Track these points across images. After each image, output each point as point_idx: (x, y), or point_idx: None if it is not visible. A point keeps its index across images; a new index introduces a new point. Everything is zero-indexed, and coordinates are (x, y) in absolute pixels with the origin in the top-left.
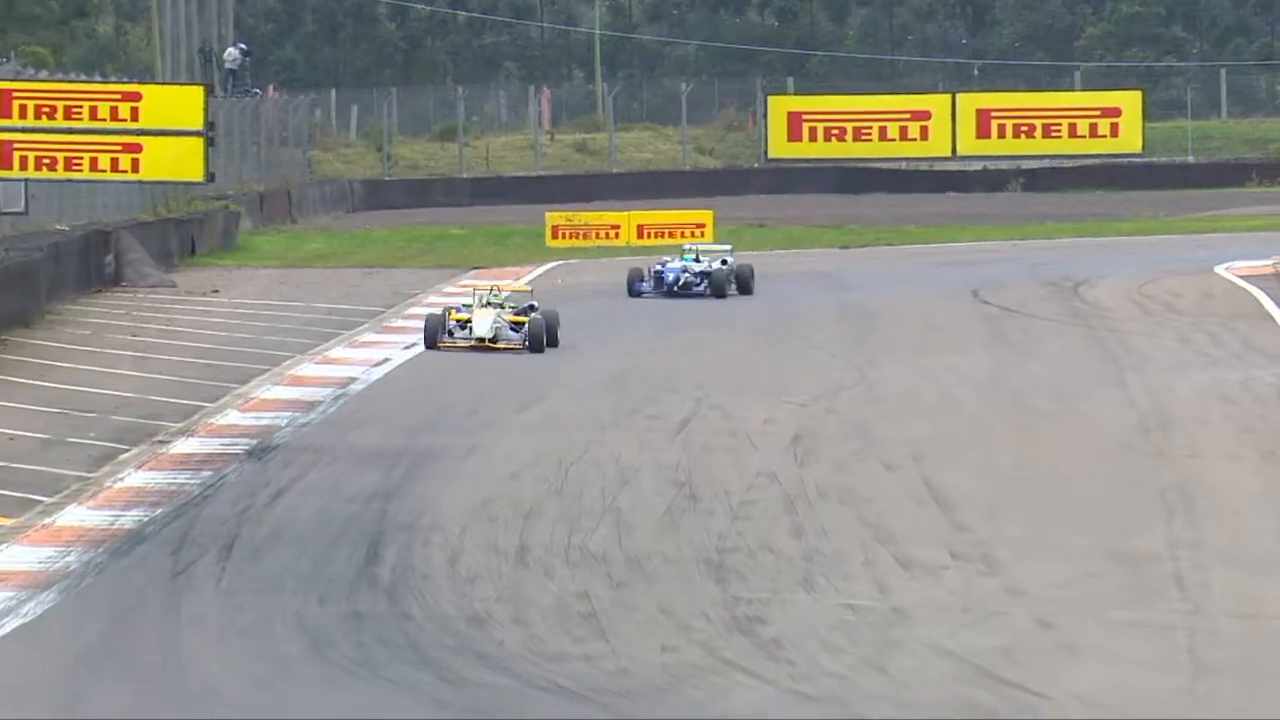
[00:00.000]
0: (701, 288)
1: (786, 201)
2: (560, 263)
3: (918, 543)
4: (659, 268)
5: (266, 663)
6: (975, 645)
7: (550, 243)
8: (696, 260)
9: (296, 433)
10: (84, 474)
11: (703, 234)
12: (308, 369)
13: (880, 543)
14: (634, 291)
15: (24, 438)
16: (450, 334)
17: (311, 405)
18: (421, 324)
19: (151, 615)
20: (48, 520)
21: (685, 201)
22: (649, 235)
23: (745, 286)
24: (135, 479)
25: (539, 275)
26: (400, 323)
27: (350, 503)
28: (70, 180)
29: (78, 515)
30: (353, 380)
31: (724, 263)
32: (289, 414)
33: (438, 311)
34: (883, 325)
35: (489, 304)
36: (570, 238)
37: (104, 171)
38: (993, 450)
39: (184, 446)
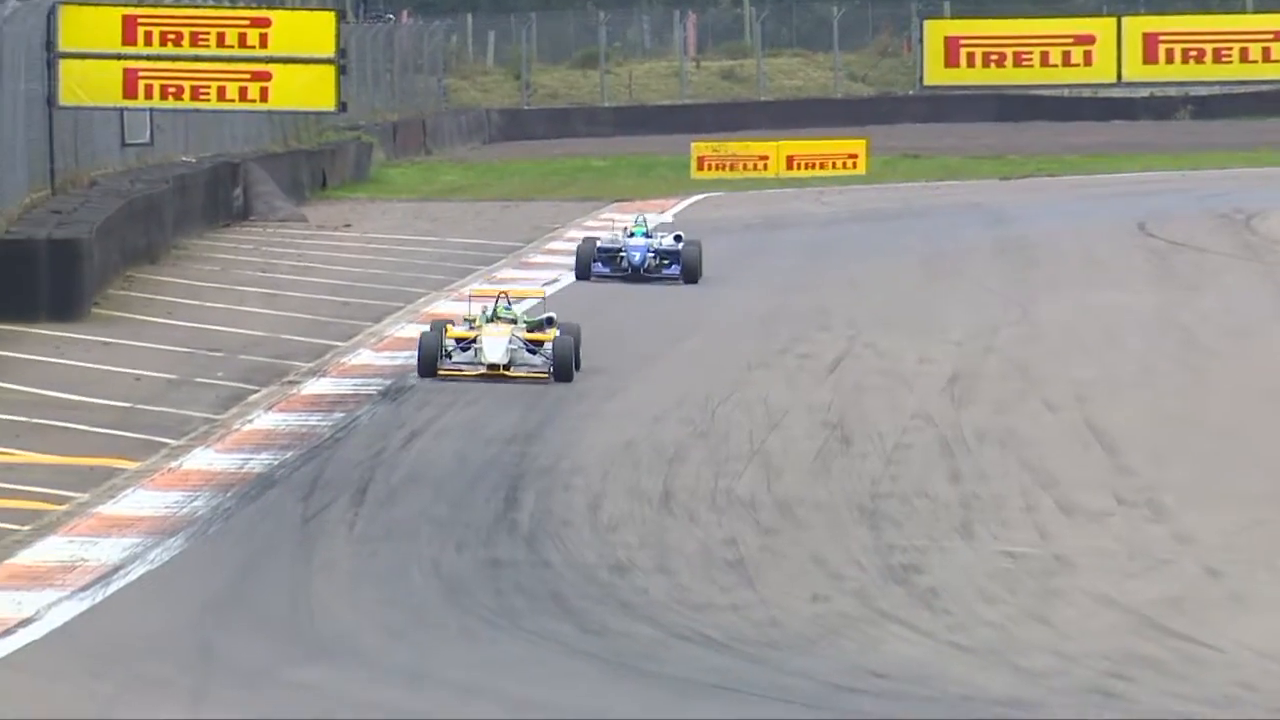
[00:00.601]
0: (672, 270)
1: (943, 131)
2: (705, 195)
3: (1081, 487)
4: (612, 244)
5: (401, 612)
6: (1141, 595)
7: (695, 174)
8: (647, 235)
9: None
10: (212, 416)
11: (855, 164)
12: (444, 306)
13: (1041, 487)
14: (585, 274)
15: (150, 378)
16: (449, 356)
17: None
18: (573, 256)
19: (282, 562)
20: (174, 464)
21: (836, 131)
22: (799, 166)
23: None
24: (265, 421)
25: (685, 207)
26: (540, 258)
27: (488, 445)
28: (197, 110)
29: (205, 458)
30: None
31: (678, 238)
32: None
33: (432, 329)
34: (1044, 260)
35: (499, 318)
36: (716, 169)
37: (232, 101)
38: (1160, 391)
39: (315, 387)
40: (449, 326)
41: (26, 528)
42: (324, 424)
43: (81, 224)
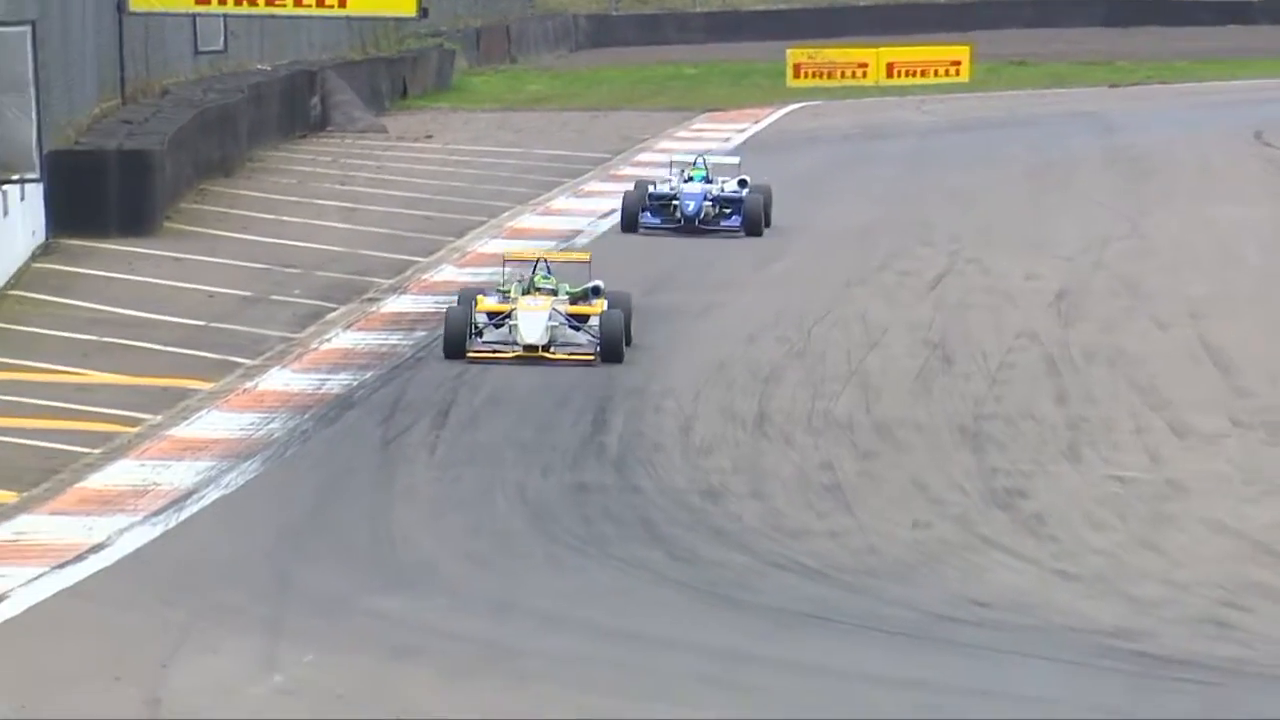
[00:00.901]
0: (733, 221)
1: (1050, 36)
2: (802, 104)
3: (1194, 409)
4: (663, 189)
5: (484, 538)
6: (1257, 520)
7: (791, 82)
8: (708, 180)
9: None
10: (288, 334)
11: (958, 72)
12: (528, 220)
13: (1152, 409)
14: (631, 225)
15: (224, 295)
16: (480, 334)
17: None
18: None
19: (361, 487)
20: (249, 384)
21: (939, 37)
22: (899, 74)
23: (766, 215)
24: (343, 340)
25: (781, 117)
26: (629, 170)
27: (575, 365)
28: (272, 15)
29: (281, 379)
30: (577, 233)
31: (742, 184)
32: (510, 268)
33: (459, 302)
34: (1155, 171)
35: (537, 289)
36: (813, 76)
37: (308, 6)
38: (1277, 307)
39: (395, 304)
40: (480, 298)
41: (97, 451)
42: (405, 343)
43: (153, 135)
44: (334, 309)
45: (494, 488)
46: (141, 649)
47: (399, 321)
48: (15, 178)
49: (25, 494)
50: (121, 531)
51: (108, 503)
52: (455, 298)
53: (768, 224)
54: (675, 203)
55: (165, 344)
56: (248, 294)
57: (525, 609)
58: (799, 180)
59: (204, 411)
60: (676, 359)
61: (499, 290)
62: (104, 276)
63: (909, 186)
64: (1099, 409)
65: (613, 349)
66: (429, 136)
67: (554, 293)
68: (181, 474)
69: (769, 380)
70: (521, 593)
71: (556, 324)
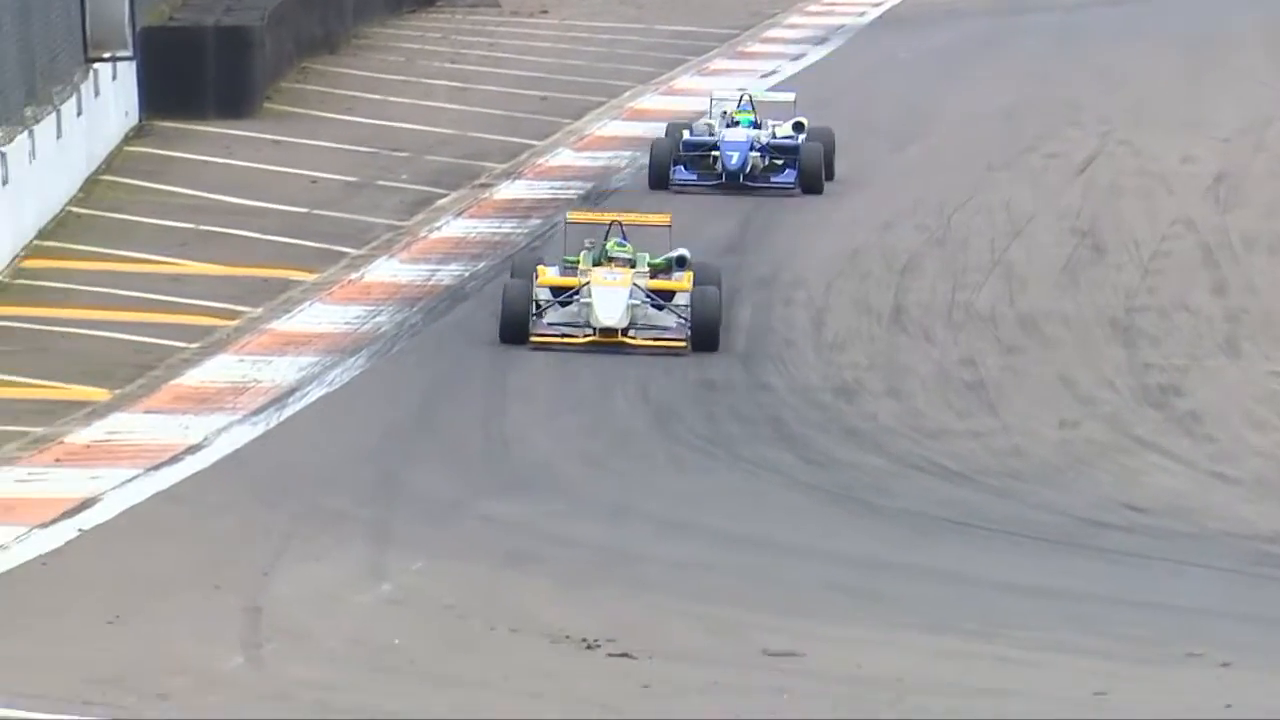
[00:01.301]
0: (786, 176)
1: None
2: None
3: None
4: (698, 136)
5: (602, 439)
6: None
7: None
8: (757, 125)
9: (638, 175)
10: (396, 222)
11: None
12: (650, 101)
13: None
14: (661, 180)
15: (328, 180)
16: (542, 314)
17: None
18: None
19: (473, 385)
20: (355, 275)
21: None
22: None
23: (828, 166)
24: (454, 227)
25: None
26: (757, 47)
27: (702, 255)
28: None
29: (389, 269)
30: (700, 115)
31: (798, 127)
32: (629, 153)
33: (514, 274)
34: None
35: (611, 260)
36: None
37: None
38: None
39: (509, 190)
40: (541, 269)
41: (194, 345)
42: (519, 231)
43: (252, 10)
44: (444, 195)
45: (613, 386)
46: (241, 555)
47: (513, 209)
48: (107, 55)
49: (118, 391)
50: (219, 431)
51: (205, 401)
52: (509, 269)
53: (829, 176)
54: (715, 154)
55: (265, 232)
56: (352, 179)
57: (645, 513)
58: (938, 56)
59: (307, 304)
60: (807, 247)
61: (564, 261)
62: (200, 160)
63: (1055, 63)
64: (1260, 300)
65: (707, 334)
66: (544, 11)
67: (632, 264)
68: (283, 370)
69: (906, 271)
70: (641, 496)
71: (637, 302)
